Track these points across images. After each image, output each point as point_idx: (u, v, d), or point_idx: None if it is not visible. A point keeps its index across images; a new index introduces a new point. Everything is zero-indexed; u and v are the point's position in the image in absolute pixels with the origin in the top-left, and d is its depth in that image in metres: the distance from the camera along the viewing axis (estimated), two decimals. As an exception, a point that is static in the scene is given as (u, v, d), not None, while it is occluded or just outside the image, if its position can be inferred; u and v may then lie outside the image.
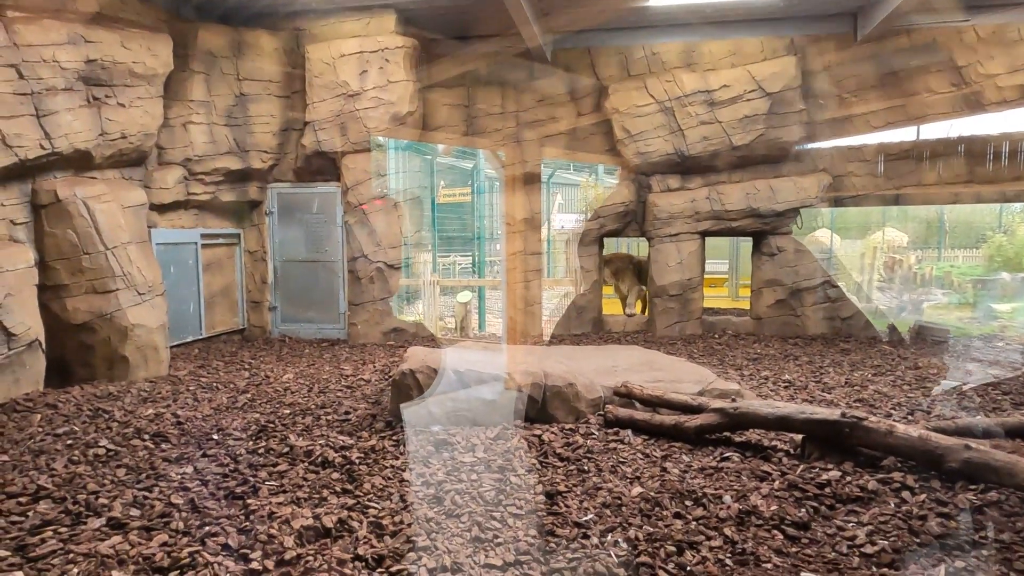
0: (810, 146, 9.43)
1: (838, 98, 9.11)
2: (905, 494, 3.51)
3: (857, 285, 14.08)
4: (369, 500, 3.60)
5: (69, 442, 4.66)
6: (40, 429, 4.96)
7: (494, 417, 4.93)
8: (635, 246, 17.21)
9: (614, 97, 9.42)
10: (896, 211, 17.72)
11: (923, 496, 3.47)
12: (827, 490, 3.60)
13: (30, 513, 3.48)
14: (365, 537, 3.17)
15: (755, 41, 9.23)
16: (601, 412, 5.04)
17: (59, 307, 6.36)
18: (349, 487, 3.80)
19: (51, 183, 6.33)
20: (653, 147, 9.36)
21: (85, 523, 3.35)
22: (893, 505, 3.40)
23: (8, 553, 3.03)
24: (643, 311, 11.52)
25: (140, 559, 2.96)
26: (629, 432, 4.70)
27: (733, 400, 4.58)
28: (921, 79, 8.78)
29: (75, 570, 2.86)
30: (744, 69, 9.06)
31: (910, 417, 5.27)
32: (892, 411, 5.46)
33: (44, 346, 6.08)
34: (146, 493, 3.75)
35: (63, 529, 3.29)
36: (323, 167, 9.16)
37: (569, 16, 8.62)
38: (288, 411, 5.53)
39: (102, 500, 3.62)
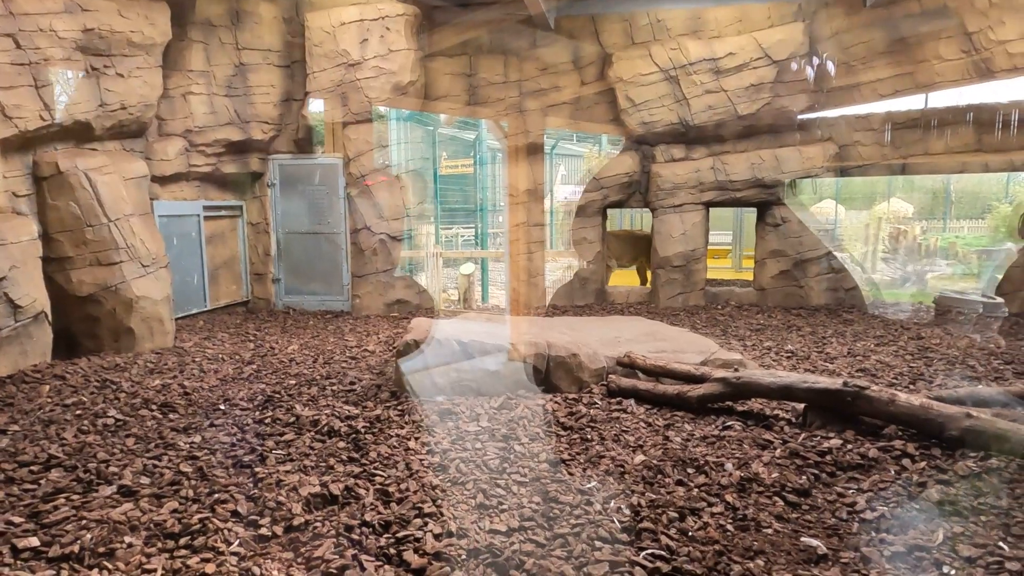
0: (816, 115, 9.31)
1: (846, 65, 8.97)
2: (906, 461, 3.54)
3: (862, 256, 14.02)
4: (375, 468, 3.65)
5: (78, 412, 4.71)
6: (49, 400, 5.02)
7: (498, 387, 4.96)
8: (638, 218, 17.14)
9: (618, 65, 9.29)
10: (902, 181, 17.56)
11: (923, 463, 3.50)
12: (828, 458, 3.64)
13: (42, 481, 3.53)
14: (372, 504, 3.22)
15: (762, 7, 9.07)
16: (604, 382, 5.07)
17: (64, 279, 6.38)
18: (355, 456, 3.85)
19: (52, 155, 6.30)
20: (657, 116, 9.26)
21: (96, 491, 3.41)
22: (893, 472, 3.44)
23: (22, 519, 3.09)
24: (643, 282, 11.56)
25: (152, 525, 3.02)
26: (632, 402, 4.73)
27: (736, 370, 4.60)
28: (930, 46, 8.63)
29: (88, 536, 2.91)
30: (750, 36, 8.91)
31: (912, 387, 5.30)
32: (894, 381, 5.48)
33: (50, 318, 6.11)
34: (155, 462, 3.80)
35: (75, 496, 3.34)
36: (324, 138, 9.09)
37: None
38: (294, 382, 5.57)
39: (112, 468, 3.67)
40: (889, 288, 11.09)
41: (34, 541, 2.88)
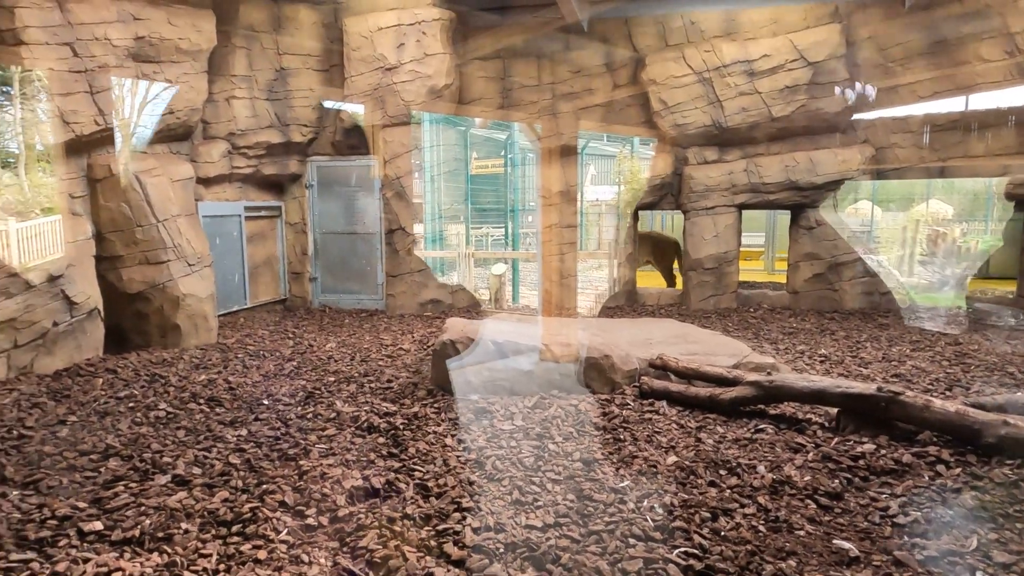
0: (853, 117, 9.22)
1: (884, 67, 8.87)
2: (940, 467, 3.55)
3: (898, 259, 13.79)
4: (414, 464, 3.78)
5: (131, 405, 4.94)
6: (103, 392, 5.26)
7: (531, 387, 5.06)
8: (669, 219, 17.08)
9: (651, 68, 9.31)
10: (941, 183, 17.18)
11: (958, 470, 3.50)
12: (861, 462, 3.66)
13: (102, 469, 3.74)
14: (412, 498, 3.35)
15: (798, 8, 9.00)
16: (636, 384, 5.13)
17: (115, 277, 6.65)
18: (395, 451, 3.99)
19: (105, 158, 6.57)
20: (690, 119, 9.26)
21: (152, 479, 3.59)
22: (927, 478, 3.45)
23: (86, 505, 3.28)
24: (670, 284, 11.59)
25: (205, 513, 3.18)
26: (664, 403, 4.79)
27: (768, 373, 4.63)
28: (972, 47, 8.48)
29: (147, 521, 3.09)
30: (786, 38, 8.86)
31: (948, 393, 5.26)
32: (930, 386, 5.44)
33: (103, 314, 6.39)
34: (205, 453, 3.98)
35: (133, 484, 3.54)
36: (361, 140, 9.29)
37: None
38: (333, 379, 5.75)
39: (166, 459, 3.86)
40: (926, 292, 10.90)
41: (98, 525, 3.06)
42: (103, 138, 6.52)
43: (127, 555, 2.83)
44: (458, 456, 3.89)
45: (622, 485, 3.48)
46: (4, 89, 7.93)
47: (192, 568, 2.73)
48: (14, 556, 2.81)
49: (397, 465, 3.76)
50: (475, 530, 3.01)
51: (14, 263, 5.78)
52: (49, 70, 5.93)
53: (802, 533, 2.99)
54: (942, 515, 3.08)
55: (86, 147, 6.43)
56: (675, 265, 11.87)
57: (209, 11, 7.62)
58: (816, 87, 8.85)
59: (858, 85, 8.65)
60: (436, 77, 8.80)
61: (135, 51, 6.72)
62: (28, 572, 2.70)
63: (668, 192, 9.89)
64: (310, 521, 3.13)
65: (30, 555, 2.83)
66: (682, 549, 2.83)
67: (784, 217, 13.90)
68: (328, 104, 9.29)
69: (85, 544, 2.94)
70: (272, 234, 9.72)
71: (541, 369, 5.13)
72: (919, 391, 5.22)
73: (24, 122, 7.63)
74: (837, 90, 8.60)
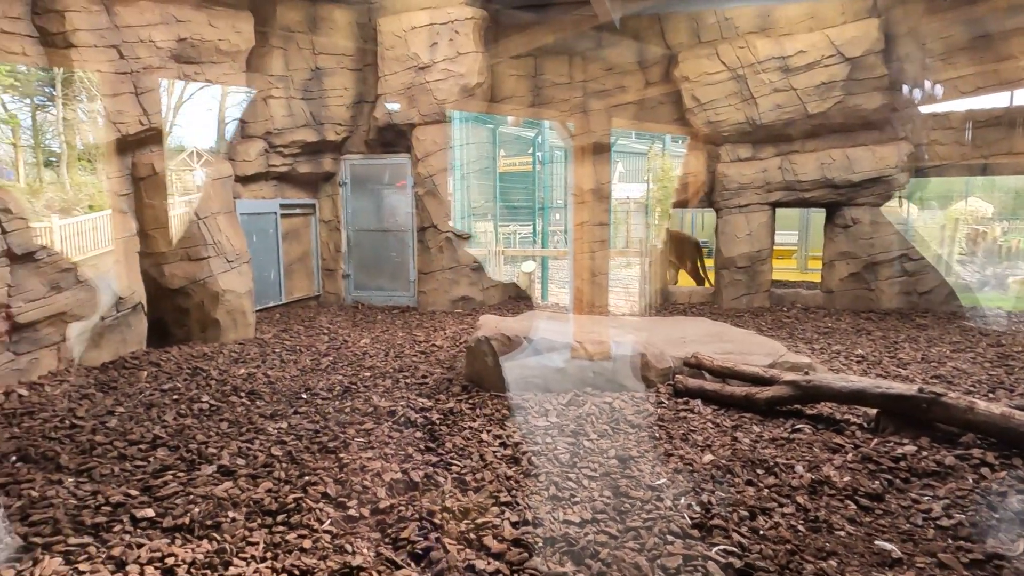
0: (891, 113, 9.04)
1: (924, 62, 8.69)
2: (984, 470, 3.49)
3: (937, 258, 13.48)
4: (451, 458, 3.84)
5: (175, 397, 5.09)
6: (148, 384, 5.42)
7: (564, 384, 5.09)
8: (699, 217, 16.92)
9: (684, 65, 9.25)
10: (981, 180, 16.74)
11: (1003, 473, 3.44)
12: (902, 464, 3.61)
13: (151, 459, 3.87)
14: (450, 491, 3.40)
15: (835, 3, 8.85)
16: (671, 382, 5.13)
17: (157, 273, 6.84)
18: (432, 445, 4.05)
19: (148, 156, 6.75)
20: (724, 116, 9.18)
21: (199, 469, 3.71)
22: (971, 481, 3.40)
23: (137, 492, 3.40)
24: (699, 283, 11.51)
25: (251, 502, 3.28)
26: (699, 402, 4.78)
27: (805, 373, 4.59)
28: (1017, 41, 8.25)
29: (196, 510, 3.19)
30: (822, 33, 8.73)
31: (991, 395, 5.15)
32: (972, 388, 5.34)
33: (146, 309, 6.58)
34: (248, 445, 4.09)
35: (180, 473, 3.65)
36: (394, 139, 9.39)
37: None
38: (368, 374, 5.84)
39: (211, 449, 3.98)
40: (965, 292, 10.66)
41: (150, 512, 3.17)
42: (147, 138, 6.70)
43: (178, 541, 2.93)
44: (494, 451, 3.94)
45: (659, 483, 3.49)
46: (50, 90, 8.20)
47: (241, 555, 2.81)
48: (72, 540, 2.93)
49: (434, 459, 3.82)
50: (514, 524, 3.05)
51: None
52: (97, 72, 6.12)
53: (842, 534, 2.97)
54: (987, 518, 3.03)
55: (131, 146, 6.62)
56: (698, 264, 11.78)
57: (248, 12, 7.77)
58: (853, 83, 8.70)
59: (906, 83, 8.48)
60: (469, 76, 8.86)
61: (177, 52, 6.88)
62: (85, 556, 2.82)
63: (701, 190, 9.82)
64: (352, 512, 3.20)
65: (87, 540, 2.94)
66: (721, 547, 2.84)
67: (817, 215, 13.68)
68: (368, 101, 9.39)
69: (138, 530, 3.05)
70: (306, 231, 9.88)
71: (574, 366, 5.15)
72: (961, 392, 5.12)
73: (69, 122, 7.88)
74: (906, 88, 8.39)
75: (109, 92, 6.20)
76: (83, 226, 6.75)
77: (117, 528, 3.04)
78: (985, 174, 8.84)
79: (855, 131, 9.10)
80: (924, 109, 8.99)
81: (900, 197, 9.09)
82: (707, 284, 11.37)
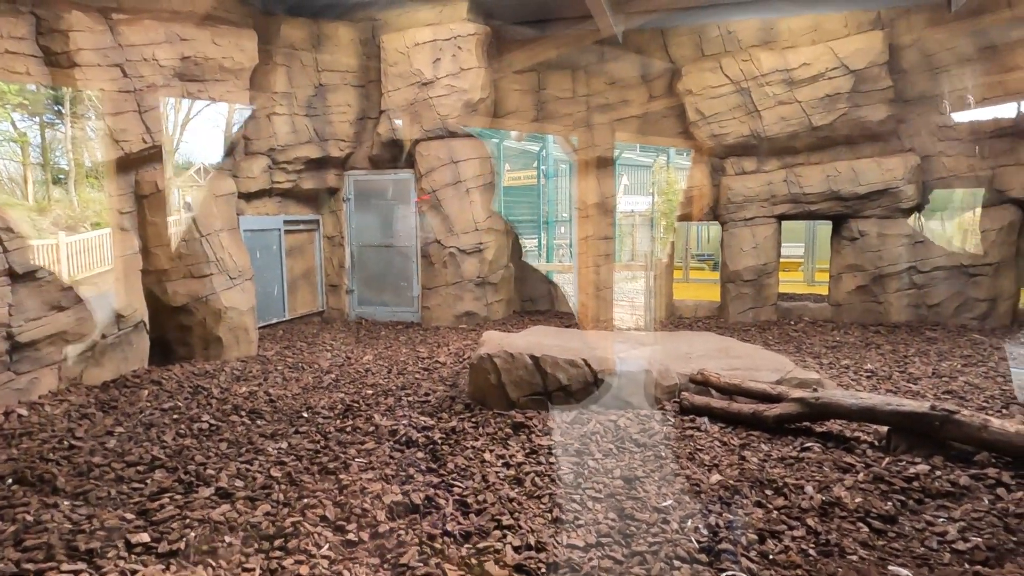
0: (898, 125, 8.98)
1: (930, 74, 8.64)
2: (1000, 491, 3.40)
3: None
4: (453, 479, 3.76)
5: (175, 416, 5.04)
6: (148, 404, 5.38)
7: (569, 401, 5.01)
8: (705, 230, 16.87)
9: (687, 78, 9.23)
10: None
11: (1020, 493, 3.35)
12: (915, 484, 3.52)
13: (148, 481, 3.81)
14: (452, 514, 3.33)
15: (838, 16, 8.84)
16: (676, 399, 5.04)
17: (160, 290, 6.82)
18: (433, 466, 3.98)
19: (152, 174, 6.75)
20: (728, 129, 9.15)
21: (196, 491, 3.64)
22: (987, 502, 3.30)
23: (133, 516, 3.34)
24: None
25: (248, 527, 3.21)
26: (705, 419, 4.70)
27: (814, 390, 4.51)
28: (1023, 52, 8.20)
29: (192, 534, 3.13)
30: (826, 46, 8.70)
31: (1004, 411, 5.04)
32: (985, 404, 5.23)
33: (148, 327, 6.55)
34: (247, 466, 4.03)
35: (178, 496, 3.59)
36: (397, 154, 9.39)
37: (645, 2, 8.49)
38: (371, 392, 5.78)
39: (209, 471, 3.92)
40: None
41: (145, 537, 3.11)
42: (150, 155, 6.70)
43: (173, 567, 2.87)
44: (497, 472, 3.86)
45: (665, 504, 3.41)
46: (57, 108, 8.25)
47: (236, 582, 2.74)
48: (65, 567, 2.87)
49: (436, 480, 3.75)
50: (516, 549, 2.98)
51: (64, 276, 5.97)
52: (100, 90, 6.13)
53: (855, 558, 2.88)
54: (1005, 541, 2.93)
55: (134, 164, 6.62)
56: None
57: (251, 30, 7.80)
58: (858, 95, 8.66)
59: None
60: (472, 91, 8.86)
61: (181, 70, 6.91)
62: (78, 583, 2.75)
63: (706, 203, 9.77)
64: (351, 536, 3.13)
65: (80, 566, 2.88)
66: (729, 572, 2.75)
67: (824, 227, 13.59)
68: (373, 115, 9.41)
69: (133, 556, 2.99)
70: (310, 247, 9.87)
71: (580, 384, 5.07)
72: (974, 409, 5.02)
73: (75, 140, 7.92)
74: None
75: (112, 110, 6.21)
76: (89, 243, 6.77)
77: (111, 554, 2.98)
78: (993, 186, 8.74)
79: (861, 143, 9.05)
80: (930, 121, 8.92)
81: (916, 210, 8.98)
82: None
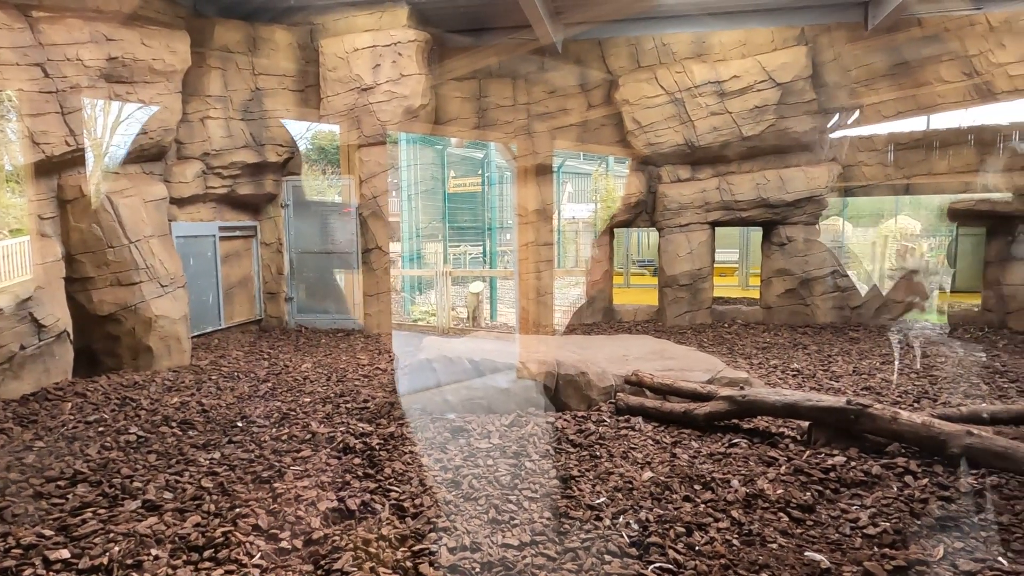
0: (821, 136, 9.45)
1: (849, 88, 9.13)
2: (908, 478, 3.62)
3: (867, 274, 14.08)
4: (390, 484, 3.76)
5: (100, 429, 4.85)
6: (72, 417, 5.16)
7: (508, 405, 5.07)
8: (645, 236, 17.27)
9: (624, 88, 9.48)
10: (909, 199, 17.62)
11: (925, 480, 3.58)
12: (832, 475, 3.72)
13: (69, 496, 3.66)
14: (388, 519, 3.33)
15: (765, 31, 9.25)
16: (612, 400, 5.17)
17: (85, 299, 6.55)
18: (370, 472, 3.96)
19: (76, 178, 6.50)
20: (663, 138, 9.43)
21: (122, 505, 3.53)
22: (896, 489, 3.52)
23: (52, 533, 3.21)
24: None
25: (176, 538, 3.13)
26: (640, 419, 4.83)
27: (742, 388, 4.70)
28: (932, 69, 8.78)
29: (116, 548, 3.03)
30: (755, 59, 9.09)
31: (916, 405, 5.37)
32: (899, 399, 5.55)
33: (72, 337, 6.28)
34: (177, 477, 3.92)
35: (102, 511, 3.46)
36: (337, 160, 9.29)
37: (582, 13, 8.68)
38: (308, 399, 5.70)
39: (136, 484, 3.79)
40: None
41: (65, 553, 2.99)
42: (74, 159, 6.45)
43: (95, 583, 2.77)
44: (434, 476, 3.88)
45: (598, 502, 3.49)
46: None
47: (162, 595, 2.68)
48: (-23, 587, 2.74)
49: (373, 486, 3.74)
50: (451, 550, 3.00)
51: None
52: (19, 90, 5.87)
53: (775, 546, 3.02)
54: (910, 525, 3.14)
55: (56, 168, 6.35)
56: None
57: (184, 32, 7.62)
58: (785, 107, 9.07)
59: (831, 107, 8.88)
60: (412, 97, 8.86)
61: (108, 72, 6.68)
62: (-9, 603, 2.64)
63: (643, 210, 10.03)
64: (284, 544, 3.09)
65: (-7, 586, 2.75)
66: (657, 564, 2.85)
67: (756, 234, 14.13)
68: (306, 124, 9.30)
69: (51, 573, 2.87)
70: (247, 254, 9.64)
71: (519, 387, 5.14)
72: (888, 404, 5.32)
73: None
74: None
75: (32, 111, 5.95)
76: (7, 250, 6.45)
77: (28, 572, 2.86)
78: (908, 193, 9.30)
79: (788, 153, 9.48)
80: (850, 132, 9.42)
81: (838, 216, 9.49)
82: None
